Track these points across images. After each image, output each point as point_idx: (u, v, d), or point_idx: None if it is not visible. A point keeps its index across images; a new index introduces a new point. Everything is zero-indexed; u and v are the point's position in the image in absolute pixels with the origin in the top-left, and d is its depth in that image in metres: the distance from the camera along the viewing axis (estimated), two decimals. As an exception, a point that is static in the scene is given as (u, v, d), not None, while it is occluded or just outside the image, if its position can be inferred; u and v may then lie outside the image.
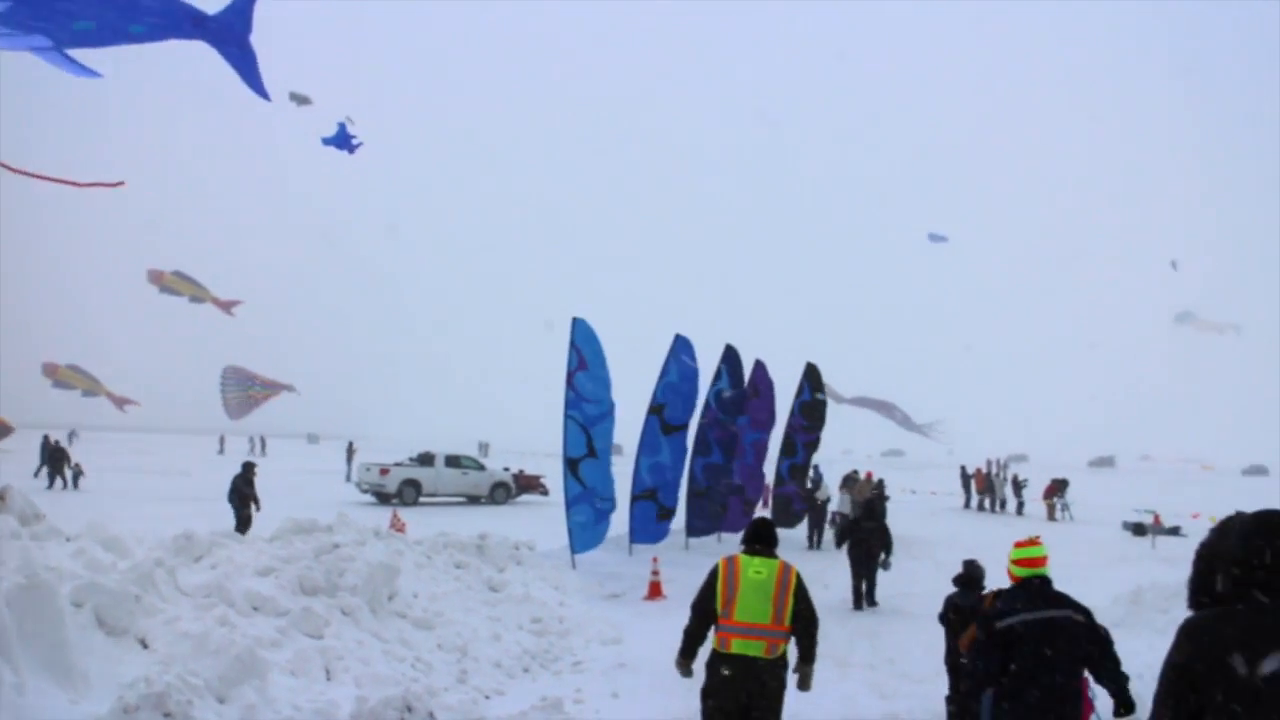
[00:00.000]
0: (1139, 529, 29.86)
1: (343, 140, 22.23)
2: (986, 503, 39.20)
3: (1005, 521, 35.24)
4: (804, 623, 6.53)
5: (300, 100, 22.82)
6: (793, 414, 27.35)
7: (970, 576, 9.03)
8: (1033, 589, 5.86)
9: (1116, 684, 5.84)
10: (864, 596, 16.45)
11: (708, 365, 23.58)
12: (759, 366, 26.49)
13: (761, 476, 26.94)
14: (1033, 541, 6.20)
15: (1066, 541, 28.10)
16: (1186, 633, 3.16)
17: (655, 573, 16.49)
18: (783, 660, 6.50)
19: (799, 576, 6.57)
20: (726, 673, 6.31)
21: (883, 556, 16.58)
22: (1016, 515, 37.66)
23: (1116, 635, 11.00)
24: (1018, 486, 39.12)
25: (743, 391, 24.71)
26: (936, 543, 24.65)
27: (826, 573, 19.68)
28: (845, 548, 17.19)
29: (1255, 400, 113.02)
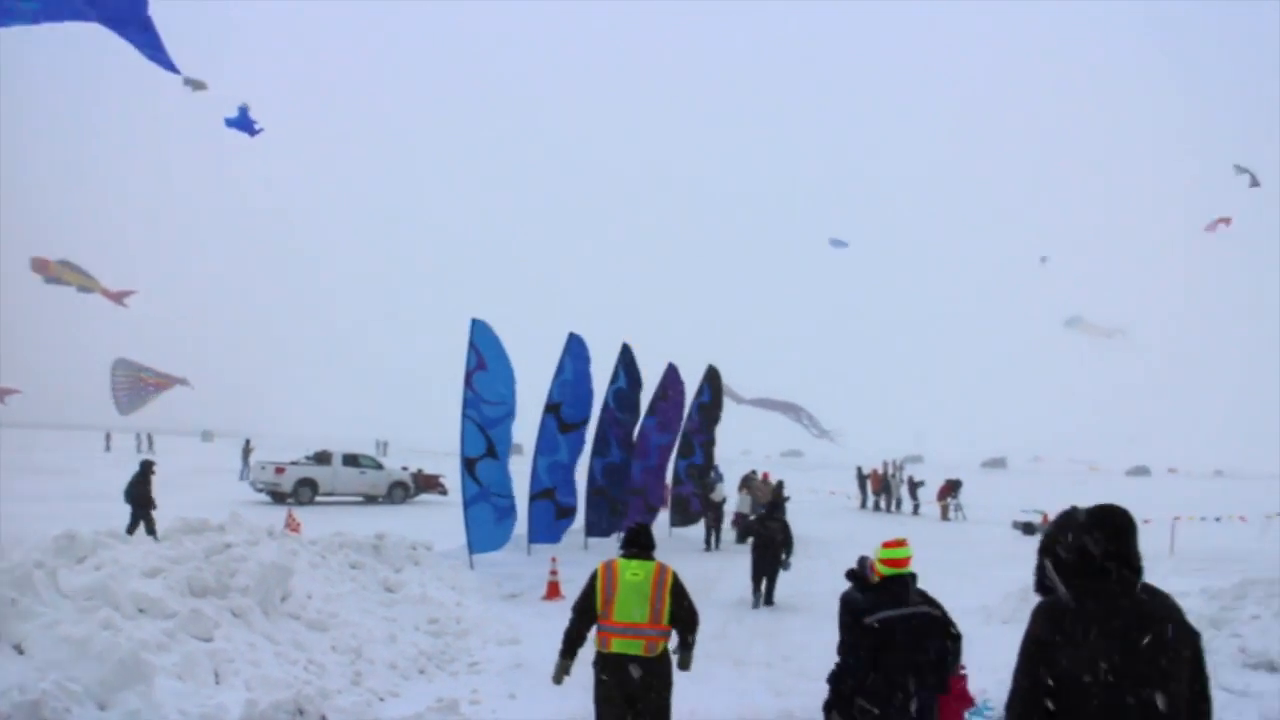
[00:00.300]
0: (1028, 528, 30.61)
1: (244, 123, 21.83)
2: (882, 503, 39.89)
3: (900, 521, 35.87)
4: (682, 622, 6.88)
5: (196, 85, 22.32)
6: (690, 415, 27.48)
7: (860, 574, 9.08)
8: (897, 587, 6.19)
9: (939, 677, 6.20)
10: (763, 595, 16.66)
11: (606, 364, 23.66)
12: (671, 370, 26.61)
13: (662, 477, 27.05)
14: (899, 543, 6.44)
15: (960, 541, 28.78)
16: (1040, 613, 3.65)
17: (554, 573, 16.44)
18: (663, 658, 6.79)
19: (675, 577, 6.88)
20: (609, 671, 6.62)
21: (784, 556, 16.83)
22: (912, 515, 38.40)
23: (1006, 630, 11.61)
24: (913, 487, 39.90)
25: (638, 389, 24.73)
26: (833, 542, 24.96)
27: (725, 573, 19.83)
28: (749, 546, 17.47)
29: (1140, 403, 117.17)
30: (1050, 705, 3.49)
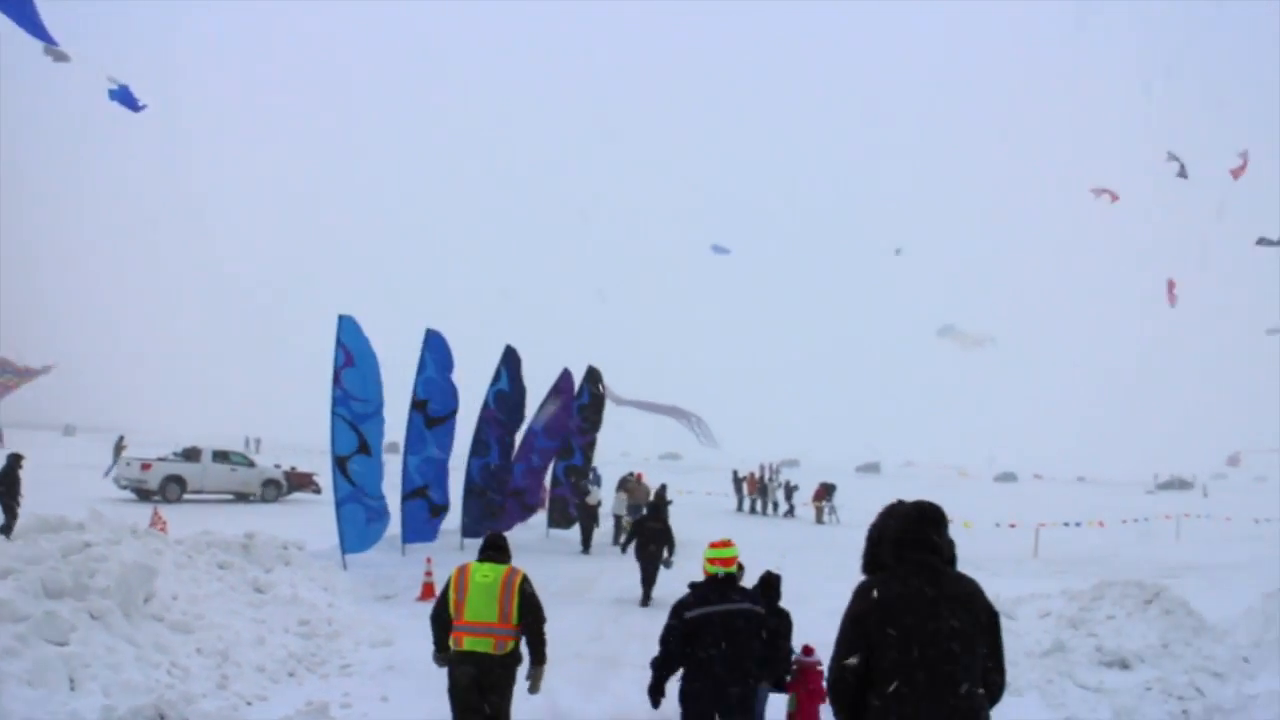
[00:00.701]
0: (899, 531, 31.40)
1: (127, 98, 21.16)
2: (758, 506, 40.41)
3: (775, 524, 36.43)
4: (529, 622, 7.20)
5: (58, 57, 21.54)
6: (571, 416, 27.43)
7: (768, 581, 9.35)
8: (720, 584, 6.78)
9: (775, 672, 7.05)
10: (649, 594, 17.10)
11: (488, 366, 23.56)
12: (565, 375, 26.52)
13: (543, 479, 26.93)
14: (725, 543, 7.14)
15: (834, 543, 29.26)
16: (860, 592, 4.27)
17: (429, 573, 16.26)
18: (512, 656, 7.17)
19: (524, 579, 7.25)
20: (461, 667, 7.01)
21: (665, 555, 17.32)
22: (786, 518, 38.98)
23: None
24: (788, 491, 40.54)
25: (521, 391, 24.62)
26: (705, 544, 25.18)
27: (602, 575, 19.87)
28: (633, 548, 17.84)
29: (1009, 410, 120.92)
30: (872, 658, 4.09)
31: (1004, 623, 14.41)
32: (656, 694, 6.73)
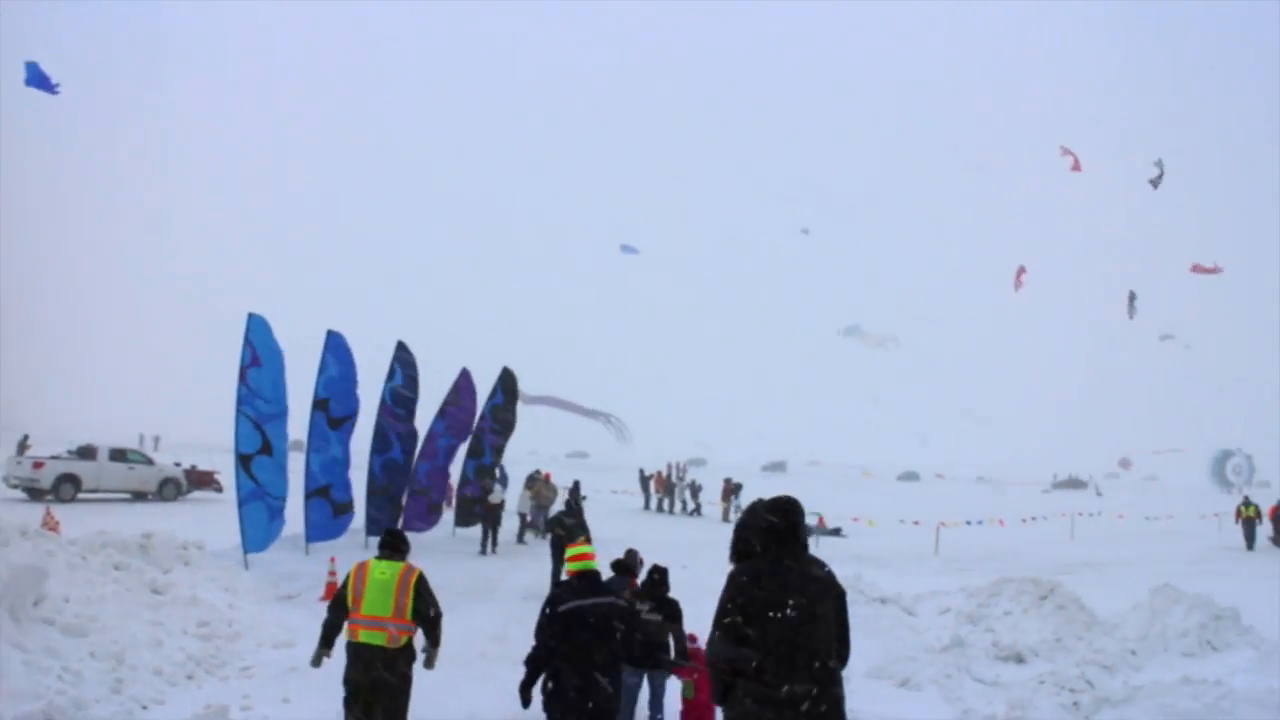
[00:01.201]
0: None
1: (41, 80, 20.58)
2: (665, 504, 40.58)
3: (681, 523, 36.62)
4: (424, 617, 7.60)
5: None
6: (484, 416, 27.30)
7: (627, 564, 10.36)
8: (584, 581, 7.20)
9: (629, 650, 7.30)
10: None
11: (382, 361, 23.42)
12: (464, 375, 26.40)
13: (448, 478, 26.74)
14: (585, 542, 7.80)
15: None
16: (736, 575, 5.02)
17: (332, 572, 16.05)
18: (406, 650, 7.54)
19: (420, 577, 7.66)
20: (356, 658, 7.38)
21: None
22: (693, 517, 39.19)
23: None
24: (694, 490, 40.78)
25: (416, 386, 24.46)
26: (615, 542, 25.06)
27: (506, 575, 19.81)
28: (549, 541, 18.72)
29: (910, 410, 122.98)
30: (743, 635, 4.78)
31: (905, 619, 14.76)
32: (527, 690, 7.01)
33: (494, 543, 24.29)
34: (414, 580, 7.57)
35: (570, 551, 7.50)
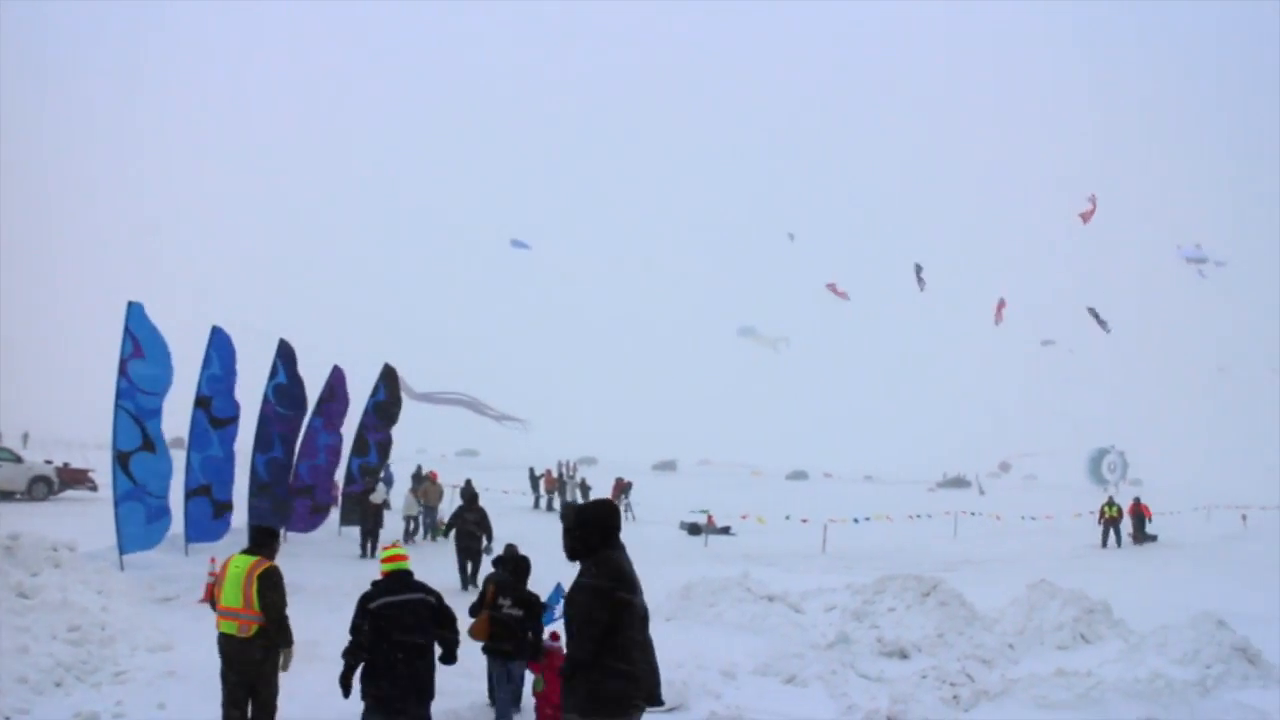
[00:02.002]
0: (694, 529, 31.88)
1: None
2: (555, 503, 40.44)
3: (573, 521, 36.48)
4: (266, 609, 8.06)
5: None
6: (366, 413, 26.92)
7: (512, 558, 10.73)
8: (396, 579, 7.83)
9: (447, 647, 7.91)
10: (469, 579, 18.56)
11: (264, 359, 22.89)
12: (336, 371, 25.92)
13: (332, 476, 26.23)
14: (396, 545, 8.62)
15: (629, 541, 29.55)
16: (601, 563, 5.71)
17: (212, 573, 15.59)
18: (259, 637, 8.07)
19: (267, 570, 8.14)
20: (220, 647, 8.14)
21: (485, 543, 19.11)
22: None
23: (669, 628, 12.74)
24: (584, 489, 40.71)
25: (300, 384, 23.98)
26: (502, 540, 24.99)
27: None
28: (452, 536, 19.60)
29: (800, 410, 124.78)
30: (609, 621, 5.52)
31: (792, 616, 14.92)
32: (347, 681, 7.54)
33: (374, 545, 23.34)
34: (259, 572, 8.09)
35: (384, 554, 8.19)
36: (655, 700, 5.88)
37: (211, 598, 8.40)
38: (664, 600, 16.39)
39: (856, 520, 34.39)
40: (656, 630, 15.18)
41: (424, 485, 27.91)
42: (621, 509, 36.40)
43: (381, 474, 27.86)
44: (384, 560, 8.08)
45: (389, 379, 27.79)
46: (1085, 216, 45.13)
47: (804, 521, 32.99)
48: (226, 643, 8.10)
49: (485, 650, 9.67)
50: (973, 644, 13.54)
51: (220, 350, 20.89)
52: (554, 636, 9.62)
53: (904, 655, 13.39)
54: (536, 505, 40.89)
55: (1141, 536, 32.92)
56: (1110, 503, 33.40)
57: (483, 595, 9.92)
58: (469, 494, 21.40)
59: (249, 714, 8.13)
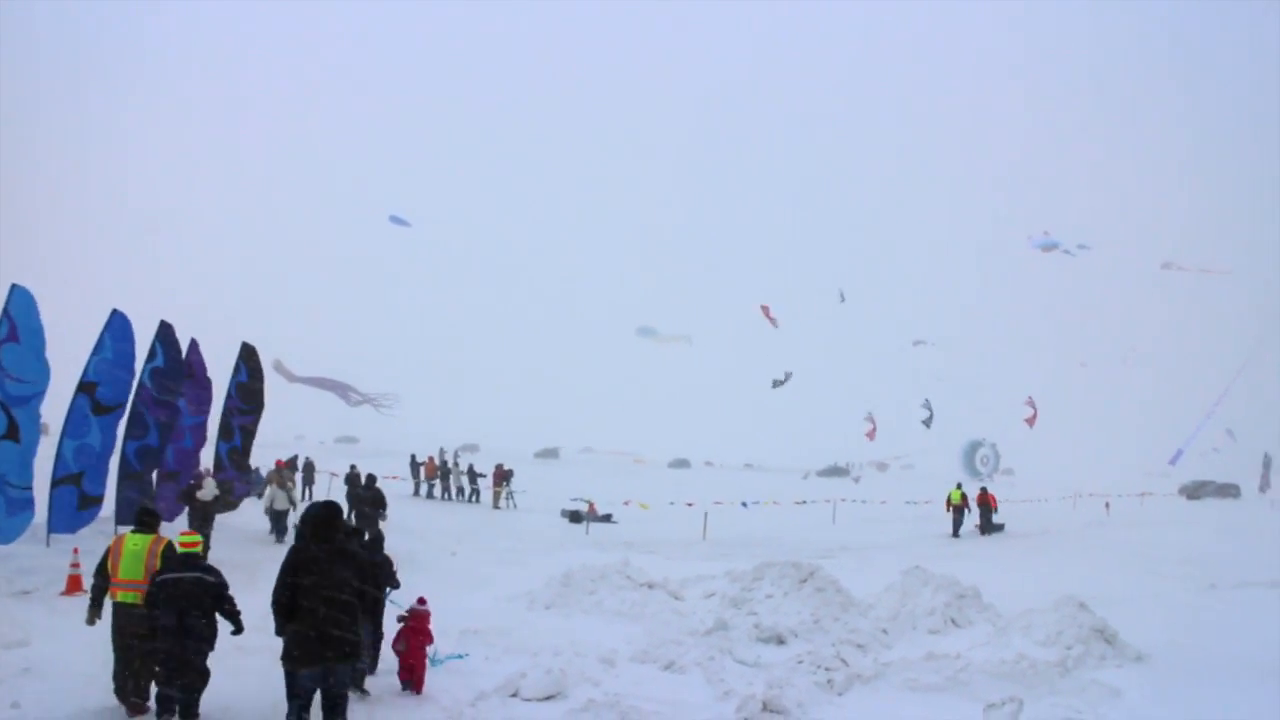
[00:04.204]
0: (575, 516, 31.89)
1: None
2: (437, 491, 40.00)
3: (454, 509, 36.25)
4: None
5: None
6: (230, 396, 25.72)
7: (376, 541, 12.61)
8: (184, 559, 8.96)
9: (234, 621, 9.02)
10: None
11: (142, 342, 21.92)
12: (194, 347, 24.75)
13: (199, 462, 25.26)
14: (192, 533, 9.73)
15: (510, 529, 29.44)
16: (291, 552, 8.08)
17: (75, 565, 15.04)
18: None
19: (167, 544, 9.28)
20: (117, 614, 9.15)
21: (383, 514, 22.37)
22: (471, 503, 38.72)
23: (549, 615, 13.30)
24: (473, 475, 40.30)
25: (180, 368, 23.03)
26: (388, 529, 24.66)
27: (263, 568, 19.00)
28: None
29: (685, 400, 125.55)
30: (295, 599, 7.71)
31: (671, 604, 15.09)
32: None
33: (206, 545, 21.61)
34: (160, 548, 9.25)
35: (179, 540, 9.16)
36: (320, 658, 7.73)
37: (105, 569, 9.23)
38: (543, 588, 16.35)
39: (745, 505, 34.82)
40: (534, 617, 15.27)
41: (282, 474, 26.45)
42: (503, 496, 36.43)
43: (250, 474, 26.95)
44: (181, 545, 9.08)
45: (249, 357, 26.45)
46: (765, 312, 47.98)
47: (689, 505, 33.19)
48: (124, 612, 9.06)
49: None
50: (848, 629, 13.80)
51: (116, 335, 19.93)
52: (421, 600, 10.78)
53: (781, 641, 13.57)
54: (417, 492, 40.40)
55: (988, 527, 32.65)
56: (958, 488, 33.30)
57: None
58: (351, 474, 24.57)
59: (140, 677, 9.07)
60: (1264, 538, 31.52)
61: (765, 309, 52.00)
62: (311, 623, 7.73)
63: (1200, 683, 11.76)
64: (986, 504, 33.06)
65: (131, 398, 21.15)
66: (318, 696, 8.06)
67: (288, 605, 7.80)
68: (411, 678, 10.35)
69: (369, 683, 10.35)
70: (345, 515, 21.28)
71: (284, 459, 28.79)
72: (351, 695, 9.07)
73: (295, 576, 7.84)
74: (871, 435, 68.99)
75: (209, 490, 21.92)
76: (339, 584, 7.92)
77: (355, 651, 8.10)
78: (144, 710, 9.06)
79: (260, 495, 25.18)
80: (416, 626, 10.45)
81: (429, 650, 10.72)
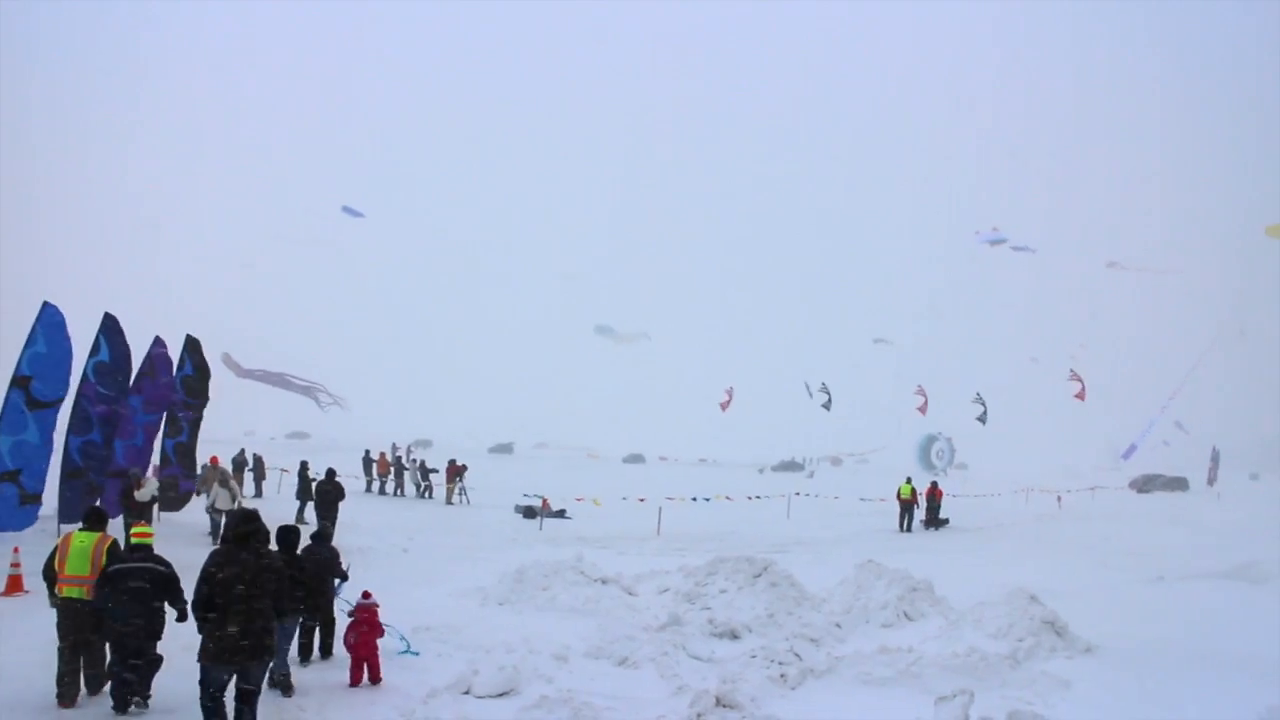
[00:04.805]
0: (529, 512, 31.68)
1: None
2: (389, 487, 39.67)
3: (407, 505, 35.95)
4: None
5: None
6: (175, 389, 25.32)
7: (323, 534, 12.75)
8: (135, 551, 9.31)
9: (179, 610, 9.20)
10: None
11: (86, 335, 21.47)
12: (158, 343, 24.36)
13: (149, 459, 24.85)
14: (144, 523, 10.40)
15: (463, 525, 29.20)
16: (212, 555, 8.30)
17: (16, 565, 14.75)
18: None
19: (113, 543, 9.63)
20: (63, 609, 9.36)
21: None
22: (424, 499, 38.42)
23: (502, 612, 14.67)
24: (426, 471, 39.99)
25: (126, 363, 22.60)
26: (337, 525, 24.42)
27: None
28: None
29: (640, 396, 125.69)
30: (213, 599, 7.95)
31: (625, 599, 15.10)
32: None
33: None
34: (106, 546, 9.51)
35: (134, 530, 9.57)
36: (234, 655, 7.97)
37: (53, 565, 9.45)
38: (496, 584, 16.23)
39: (695, 499, 34.81)
40: (487, 613, 15.21)
41: (224, 474, 23.61)
42: (456, 492, 36.12)
43: (198, 470, 26.55)
44: (132, 535, 9.49)
45: (194, 350, 26.01)
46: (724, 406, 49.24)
47: (641, 500, 33.13)
48: (69, 607, 9.32)
49: None
50: (801, 623, 13.83)
51: (48, 328, 19.55)
52: (366, 595, 10.87)
53: (735, 636, 13.58)
54: (369, 489, 40.00)
55: (934, 521, 32.78)
56: (908, 482, 33.32)
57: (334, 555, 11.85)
58: (302, 470, 25.04)
59: (81, 670, 9.37)
60: (1210, 530, 32.09)
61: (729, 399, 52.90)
62: (227, 622, 8.01)
63: (1148, 673, 11.90)
64: (934, 498, 33.24)
65: (74, 393, 20.78)
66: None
67: (205, 604, 8.06)
68: (362, 673, 10.52)
69: (315, 677, 10.68)
70: (301, 509, 22.99)
71: (217, 455, 27.83)
72: (278, 693, 9.76)
73: (213, 578, 8.10)
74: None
75: (147, 490, 21.46)
76: (256, 586, 8.18)
77: (268, 651, 8.39)
78: (74, 703, 9.23)
79: (200, 493, 24.67)
80: (367, 619, 10.62)
81: (398, 636, 11.58)
